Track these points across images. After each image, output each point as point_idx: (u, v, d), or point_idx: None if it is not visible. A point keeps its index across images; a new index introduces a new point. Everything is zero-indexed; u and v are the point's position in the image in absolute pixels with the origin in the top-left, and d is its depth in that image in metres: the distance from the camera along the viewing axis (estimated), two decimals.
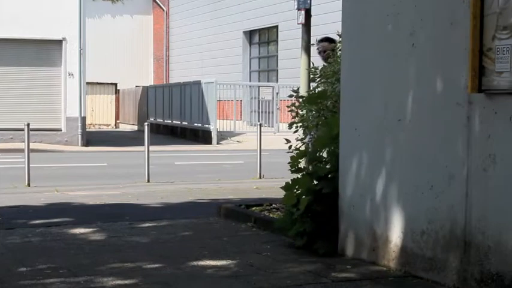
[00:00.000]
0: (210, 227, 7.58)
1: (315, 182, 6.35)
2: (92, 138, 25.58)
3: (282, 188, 6.57)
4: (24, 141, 13.33)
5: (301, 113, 8.26)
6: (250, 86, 29.99)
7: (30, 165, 12.79)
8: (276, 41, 30.67)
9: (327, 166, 6.42)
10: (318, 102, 7.62)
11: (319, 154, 6.66)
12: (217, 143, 24.42)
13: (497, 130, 4.52)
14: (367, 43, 5.73)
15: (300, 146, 8.17)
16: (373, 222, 5.63)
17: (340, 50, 7.53)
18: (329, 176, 6.24)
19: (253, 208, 8.03)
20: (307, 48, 12.31)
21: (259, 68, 33.16)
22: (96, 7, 35.27)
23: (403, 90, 5.32)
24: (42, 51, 23.75)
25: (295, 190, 6.44)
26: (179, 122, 28.13)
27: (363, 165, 5.76)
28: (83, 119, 24.00)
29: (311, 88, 9.12)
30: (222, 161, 17.46)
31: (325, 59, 8.51)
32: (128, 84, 37.34)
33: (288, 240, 6.53)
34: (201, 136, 25.64)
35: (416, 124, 5.20)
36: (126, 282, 5.20)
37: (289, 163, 6.79)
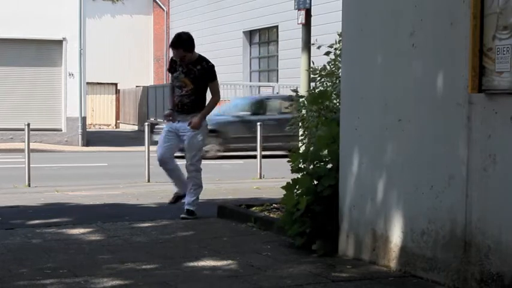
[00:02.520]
0: (210, 227, 7.57)
1: (315, 182, 6.34)
2: (92, 138, 25.59)
3: (282, 188, 6.56)
4: (24, 141, 13.33)
5: (301, 113, 8.28)
6: (250, 86, 29.97)
7: (30, 165, 12.80)
8: (276, 41, 30.64)
9: (328, 166, 6.42)
10: (319, 102, 7.62)
11: (319, 154, 6.66)
12: None
13: (498, 130, 4.52)
14: (367, 43, 5.73)
15: (300, 147, 8.17)
16: (373, 222, 5.63)
17: (340, 50, 7.54)
18: (329, 176, 6.23)
19: (253, 208, 8.02)
20: (307, 48, 12.34)
21: (259, 68, 33.14)
22: (96, 7, 35.29)
23: (403, 90, 5.32)
24: (43, 51, 23.76)
25: (295, 190, 6.43)
26: None
27: (363, 165, 5.76)
28: (83, 119, 24.01)
29: (311, 88, 9.12)
30: (222, 161, 17.44)
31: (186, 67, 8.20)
32: (128, 84, 37.33)
33: (288, 240, 6.52)
34: None
35: (416, 124, 5.20)
36: (126, 282, 5.19)
37: (288, 161, 6.78)
